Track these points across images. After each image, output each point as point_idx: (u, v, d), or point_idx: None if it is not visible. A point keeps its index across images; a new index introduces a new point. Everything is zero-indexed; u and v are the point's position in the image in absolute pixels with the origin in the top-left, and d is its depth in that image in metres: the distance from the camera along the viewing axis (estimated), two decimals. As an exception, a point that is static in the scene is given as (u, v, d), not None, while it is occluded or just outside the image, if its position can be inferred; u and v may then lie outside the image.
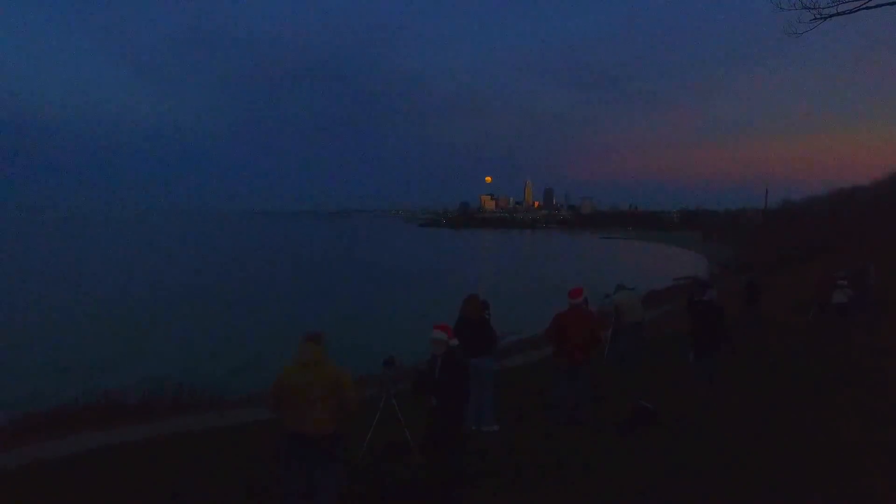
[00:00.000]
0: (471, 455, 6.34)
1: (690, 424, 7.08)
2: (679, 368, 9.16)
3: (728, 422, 7.11)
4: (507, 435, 7.20)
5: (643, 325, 10.23)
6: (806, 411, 7.25)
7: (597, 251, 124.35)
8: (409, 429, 6.45)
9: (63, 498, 7.58)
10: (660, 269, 79.04)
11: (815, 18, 8.50)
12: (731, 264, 70.10)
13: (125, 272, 65.00)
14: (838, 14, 8.24)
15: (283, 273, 69.42)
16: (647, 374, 9.47)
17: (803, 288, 32.61)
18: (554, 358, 7.54)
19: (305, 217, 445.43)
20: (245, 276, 64.67)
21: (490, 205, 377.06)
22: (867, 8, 8.12)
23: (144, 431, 12.13)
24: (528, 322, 43.38)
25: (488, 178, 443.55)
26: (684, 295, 51.16)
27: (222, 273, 66.92)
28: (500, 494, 5.79)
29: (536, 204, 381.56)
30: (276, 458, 6.13)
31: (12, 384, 21.49)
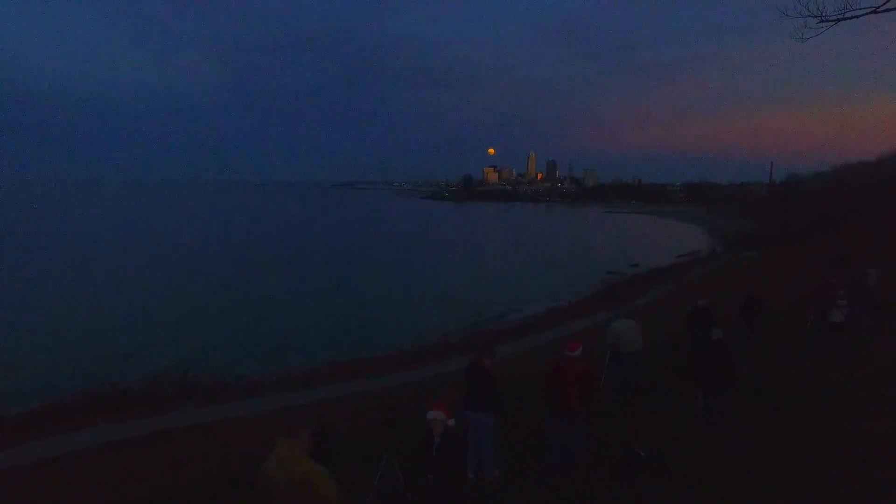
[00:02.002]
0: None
1: (692, 471, 6.92)
2: (679, 405, 8.84)
3: (731, 469, 6.91)
4: (505, 485, 7.17)
5: (641, 354, 9.94)
6: (814, 456, 7.02)
7: (600, 226, 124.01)
8: (408, 486, 6.44)
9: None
10: (663, 244, 78.96)
11: (823, 21, 8.31)
12: (735, 240, 70.06)
13: (131, 247, 64.99)
14: (845, 18, 8.06)
15: (291, 248, 69.19)
16: (646, 411, 9.15)
17: (807, 269, 32.29)
18: (549, 405, 7.44)
19: (307, 189, 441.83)
20: (253, 251, 64.54)
21: (493, 177, 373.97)
22: (875, 12, 7.93)
23: (150, 425, 12.30)
24: (530, 298, 43.70)
25: (491, 150, 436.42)
26: (688, 266, 50.37)
27: (231, 248, 66.70)
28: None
29: (539, 176, 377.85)
30: None
31: (24, 370, 21.70)
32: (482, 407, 7.24)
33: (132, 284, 43.10)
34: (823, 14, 8.19)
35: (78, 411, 14.09)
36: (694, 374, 8.40)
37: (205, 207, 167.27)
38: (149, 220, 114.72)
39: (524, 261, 65.01)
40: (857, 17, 7.98)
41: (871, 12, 7.95)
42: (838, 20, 8.12)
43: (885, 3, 7.71)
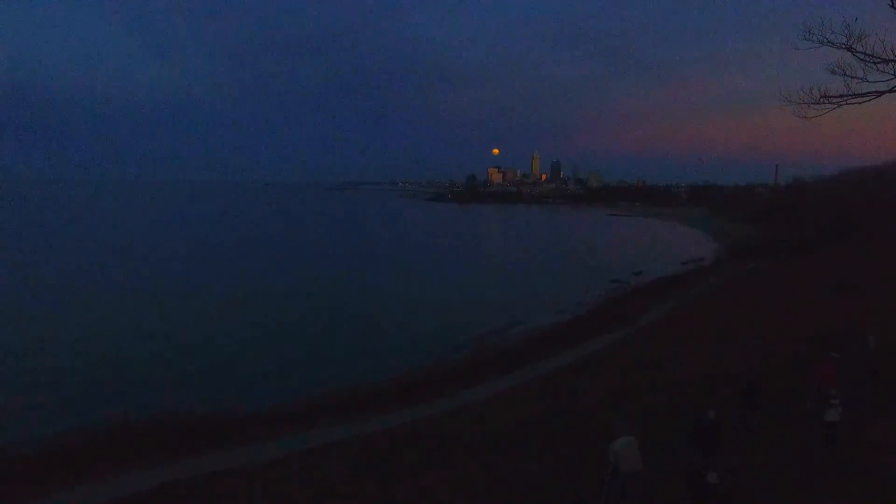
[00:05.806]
0: None
1: None
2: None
3: None
4: None
5: (640, 475, 9.58)
6: None
7: (604, 229, 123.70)
8: None
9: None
10: (666, 250, 78.65)
11: (826, 98, 8.31)
12: (739, 248, 69.73)
13: (127, 254, 64.47)
14: (849, 103, 8.07)
15: (291, 256, 68.63)
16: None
17: (810, 296, 31.42)
18: None
19: (313, 189, 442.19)
20: (253, 256, 64.09)
21: (497, 177, 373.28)
22: (878, 95, 7.92)
23: (156, 477, 12.25)
24: (534, 308, 43.22)
25: (495, 150, 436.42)
26: (691, 278, 49.09)
27: (230, 253, 66.15)
28: None
29: (544, 176, 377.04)
30: None
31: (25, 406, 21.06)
32: None
33: (129, 296, 42.67)
34: (827, 96, 8.20)
35: (84, 456, 14.11)
36: None
37: (206, 209, 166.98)
38: (147, 223, 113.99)
39: (528, 267, 64.89)
40: (859, 103, 8.01)
41: (871, 94, 7.94)
42: (840, 104, 8.11)
43: (890, 90, 7.69)
